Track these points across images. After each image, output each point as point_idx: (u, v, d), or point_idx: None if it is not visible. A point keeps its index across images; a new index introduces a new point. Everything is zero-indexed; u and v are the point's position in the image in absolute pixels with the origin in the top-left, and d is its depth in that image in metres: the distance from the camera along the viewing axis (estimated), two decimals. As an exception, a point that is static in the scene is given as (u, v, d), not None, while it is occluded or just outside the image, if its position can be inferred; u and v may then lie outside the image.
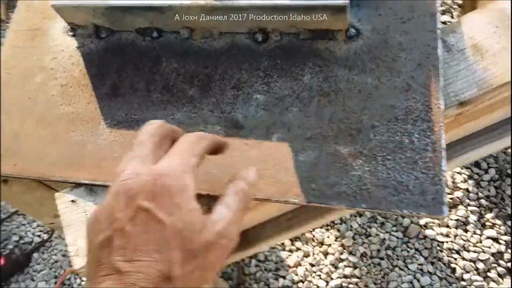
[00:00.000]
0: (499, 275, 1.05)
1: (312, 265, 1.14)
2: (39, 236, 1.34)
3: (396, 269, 1.10)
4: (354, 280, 1.10)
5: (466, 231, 1.13)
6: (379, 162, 0.41)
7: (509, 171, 1.16)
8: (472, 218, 1.13)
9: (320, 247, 1.16)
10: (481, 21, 0.47)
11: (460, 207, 1.15)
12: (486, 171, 1.16)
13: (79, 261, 0.46)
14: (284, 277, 1.13)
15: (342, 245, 1.14)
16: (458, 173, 1.18)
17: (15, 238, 1.34)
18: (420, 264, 1.09)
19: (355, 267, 1.12)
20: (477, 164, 1.17)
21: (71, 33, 0.54)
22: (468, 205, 1.14)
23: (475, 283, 1.05)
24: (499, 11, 0.47)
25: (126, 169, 0.32)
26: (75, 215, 0.47)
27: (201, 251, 0.30)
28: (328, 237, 1.16)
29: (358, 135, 0.43)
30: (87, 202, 0.47)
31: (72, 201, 0.48)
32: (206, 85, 0.49)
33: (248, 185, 0.34)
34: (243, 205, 0.33)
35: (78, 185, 0.48)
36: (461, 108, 0.44)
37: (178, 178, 0.31)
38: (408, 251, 1.12)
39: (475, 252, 1.09)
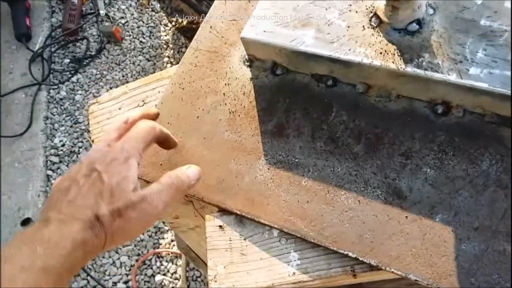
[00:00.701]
0: None
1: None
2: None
3: None
4: None
5: None
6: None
7: None
8: None
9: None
10: None
11: None
12: None
13: (214, 286, 0.49)
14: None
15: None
16: None
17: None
18: None
19: None
20: None
21: (248, 64, 0.58)
22: None
23: None
24: None
25: (93, 147, 0.45)
26: (220, 241, 0.51)
27: (125, 206, 0.41)
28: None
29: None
30: (234, 231, 0.51)
31: (220, 226, 0.52)
32: (373, 145, 0.50)
33: (183, 174, 0.45)
34: (171, 184, 0.44)
35: (228, 212, 0.52)
36: None
37: (126, 156, 0.43)
38: None
39: None
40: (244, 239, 0.50)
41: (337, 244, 0.46)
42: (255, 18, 0.55)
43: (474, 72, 0.46)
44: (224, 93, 0.58)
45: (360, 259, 0.45)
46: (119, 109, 0.64)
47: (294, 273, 0.47)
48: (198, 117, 0.57)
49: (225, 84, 0.58)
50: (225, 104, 0.57)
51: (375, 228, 0.46)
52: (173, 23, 1.66)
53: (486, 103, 0.47)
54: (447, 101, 0.49)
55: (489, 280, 0.42)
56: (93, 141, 0.63)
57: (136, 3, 1.90)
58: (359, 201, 0.48)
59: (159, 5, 1.79)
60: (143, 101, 0.63)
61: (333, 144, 0.52)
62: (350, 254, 0.46)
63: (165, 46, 1.83)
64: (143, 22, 1.88)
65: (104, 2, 1.94)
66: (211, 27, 0.63)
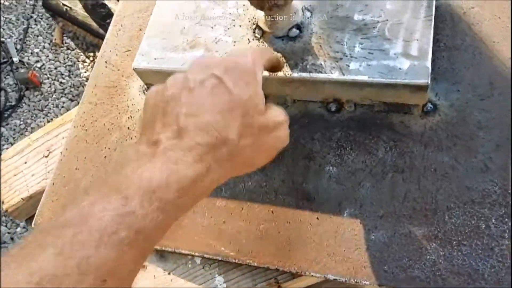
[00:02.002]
0: None
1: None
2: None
3: None
4: None
5: None
6: (454, 247, 0.44)
7: None
8: None
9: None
10: None
11: None
12: None
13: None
14: None
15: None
16: None
17: None
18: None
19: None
20: None
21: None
22: None
23: None
24: None
25: (199, 58, 0.39)
26: (144, 280, 0.52)
27: (258, 130, 0.36)
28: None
29: (433, 216, 0.46)
30: (157, 268, 0.53)
31: (143, 266, 0.53)
32: (278, 154, 0.54)
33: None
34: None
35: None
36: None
37: (250, 65, 0.37)
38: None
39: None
40: (169, 273, 0.52)
41: (257, 259, 0.49)
42: (144, 46, 0.58)
43: (354, 67, 0.50)
44: (128, 127, 0.60)
45: (281, 269, 0.48)
46: (25, 163, 0.64)
47: (220, 297, 0.49)
48: (105, 156, 0.59)
49: (128, 118, 0.60)
50: (131, 138, 0.59)
51: (291, 235, 0.49)
52: (91, 58, 1.67)
53: (371, 94, 0.51)
54: (337, 98, 0.53)
55: (400, 264, 0.45)
56: (3, 202, 0.63)
57: (49, 44, 1.89)
58: (272, 211, 0.51)
59: (73, 43, 1.79)
60: (48, 150, 0.64)
61: (240, 159, 0.55)
62: (270, 266, 0.49)
63: (86, 82, 1.83)
64: (60, 62, 1.87)
65: (16, 48, 1.91)
66: (106, 61, 0.65)
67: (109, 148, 0.59)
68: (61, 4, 1.45)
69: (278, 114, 0.38)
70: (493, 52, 0.52)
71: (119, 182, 0.31)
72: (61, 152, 0.61)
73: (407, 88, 0.49)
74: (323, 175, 0.51)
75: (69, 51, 1.89)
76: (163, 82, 0.58)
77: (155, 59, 0.57)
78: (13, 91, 1.86)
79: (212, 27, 0.57)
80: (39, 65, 1.89)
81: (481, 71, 0.51)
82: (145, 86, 0.61)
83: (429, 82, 0.47)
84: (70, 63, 1.87)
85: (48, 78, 1.85)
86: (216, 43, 0.56)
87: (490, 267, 0.43)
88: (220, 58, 0.38)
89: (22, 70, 1.86)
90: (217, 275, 0.50)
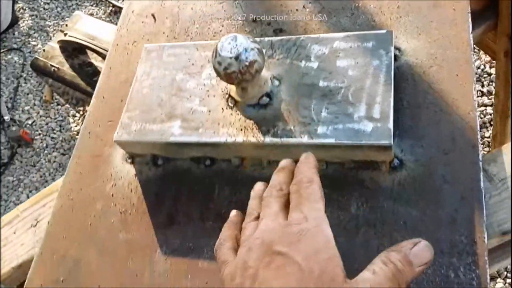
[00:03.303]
0: None
1: None
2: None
3: None
4: None
5: None
6: (427, 299, 0.45)
7: None
8: None
9: None
10: (522, 150, 0.52)
11: (499, 280, 1.19)
12: None
13: None
14: None
15: None
16: None
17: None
18: None
19: None
20: None
21: (130, 161, 0.63)
22: (506, 277, 1.19)
23: None
24: (539, 140, 0.52)
25: (259, 227, 0.36)
26: None
27: None
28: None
29: (406, 271, 0.47)
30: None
31: (129, 331, 0.53)
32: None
33: (404, 261, 0.34)
34: (390, 277, 0.33)
35: (135, 313, 0.54)
36: (503, 237, 0.48)
37: (314, 223, 0.34)
38: None
39: None
40: (155, 337, 0.52)
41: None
42: (125, 119, 0.60)
43: (321, 131, 0.52)
44: (112, 195, 0.61)
45: None
46: (14, 233, 0.65)
47: None
48: (91, 224, 0.60)
49: (112, 186, 0.62)
50: (115, 205, 0.60)
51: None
52: (81, 112, 1.69)
53: (340, 154, 0.53)
54: (310, 158, 0.55)
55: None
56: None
57: (40, 101, 1.92)
58: (252, 271, 0.52)
59: (63, 99, 1.82)
60: (36, 220, 0.65)
61: (222, 220, 0.55)
62: None
63: (77, 136, 1.85)
64: (51, 118, 1.89)
65: (7, 107, 1.93)
66: (89, 132, 0.67)
67: (94, 216, 0.60)
68: (49, 65, 1.48)
69: (363, 279, 0.33)
70: (453, 108, 0.55)
71: None
72: (48, 222, 0.62)
73: (372, 149, 0.51)
74: (300, 234, 0.52)
75: (59, 107, 1.91)
76: (144, 151, 0.60)
77: (134, 131, 0.59)
78: (5, 148, 1.87)
79: (188, 98, 0.59)
80: (30, 122, 1.91)
81: (443, 127, 0.54)
82: (127, 155, 0.62)
83: (392, 142, 0.50)
84: (60, 118, 1.89)
85: (39, 134, 1.87)
86: (192, 113, 0.58)
87: (461, 316, 0.44)
88: (277, 231, 0.34)
89: (14, 128, 1.88)
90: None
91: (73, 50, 1.50)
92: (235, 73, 0.50)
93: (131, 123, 0.59)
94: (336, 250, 0.34)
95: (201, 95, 0.59)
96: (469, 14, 0.60)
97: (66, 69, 1.49)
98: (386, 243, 0.49)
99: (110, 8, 2.02)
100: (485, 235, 0.47)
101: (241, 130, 0.55)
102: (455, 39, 0.59)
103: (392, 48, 0.55)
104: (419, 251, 0.35)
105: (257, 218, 0.39)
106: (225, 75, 0.51)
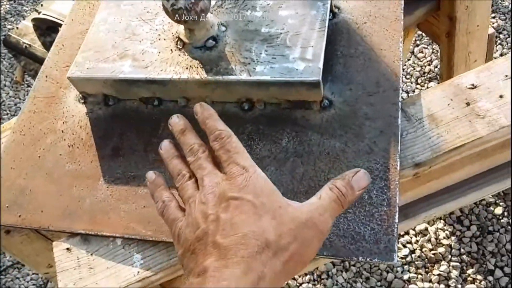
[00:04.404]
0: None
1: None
2: (31, 290, 1.42)
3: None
4: None
5: (448, 286, 1.21)
6: (341, 215, 0.49)
7: (490, 228, 1.24)
8: (454, 273, 1.22)
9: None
10: (438, 94, 0.57)
11: (443, 262, 1.24)
12: (468, 228, 1.28)
13: (69, 305, 0.52)
14: None
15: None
16: (441, 229, 1.28)
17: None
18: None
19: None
20: (459, 221, 1.29)
21: (82, 101, 0.65)
22: (451, 260, 1.24)
23: None
24: (454, 86, 0.57)
25: (203, 185, 0.41)
26: (68, 262, 0.54)
27: (294, 225, 0.37)
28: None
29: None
30: (80, 250, 0.55)
31: (67, 249, 0.55)
32: (196, 147, 0.58)
33: (347, 186, 0.40)
34: (334, 199, 0.39)
35: (74, 234, 0.56)
36: (416, 168, 0.52)
37: (253, 170, 0.40)
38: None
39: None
40: (91, 255, 0.54)
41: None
42: (79, 59, 0.62)
43: (259, 69, 0.56)
44: (62, 131, 0.63)
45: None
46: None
47: (138, 272, 0.52)
48: (39, 157, 0.62)
49: (63, 123, 0.64)
50: (64, 140, 0.62)
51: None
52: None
53: (276, 93, 0.57)
54: (249, 98, 0.59)
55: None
56: None
57: (10, 81, 1.91)
58: (188, 196, 0.55)
59: (34, 80, 1.82)
60: (-13, 154, 0.66)
61: (164, 154, 0.59)
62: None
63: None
64: (20, 98, 1.88)
65: (-23, 86, 1.92)
66: (46, 76, 0.69)
67: (43, 149, 0.62)
68: (21, 42, 1.49)
69: (307, 203, 0.39)
70: (381, 57, 0.59)
71: None
72: (-1, 155, 0.63)
73: (303, 85, 0.55)
74: (235, 163, 0.56)
75: (29, 88, 1.91)
76: (95, 90, 0.63)
77: (87, 68, 0.61)
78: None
79: (140, 41, 0.63)
80: (-1, 102, 1.90)
81: (370, 73, 0.58)
82: (80, 95, 0.65)
83: (320, 79, 0.54)
84: (30, 100, 1.88)
85: (7, 114, 1.86)
86: (142, 53, 0.61)
87: (370, 230, 0.48)
88: (224, 184, 0.40)
89: (-18, 107, 1.86)
90: (135, 253, 0.52)
91: (47, 29, 1.51)
92: (181, 10, 0.54)
93: (84, 62, 0.62)
94: (274, 186, 0.40)
95: (153, 39, 0.62)
96: (402, -20, 0.65)
97: (37, 46, 1.50)
98: (310, 170, 0.53)
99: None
100: (398, 164, 0.51)
101: (187, 68, 0.59)
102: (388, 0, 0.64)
103: (329, 1, 0.60)
104: (358, 178, 0.41)
105: (190, 178, 0.43)
106: (172, 11, 0.54)
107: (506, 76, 0.56)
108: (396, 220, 0.47)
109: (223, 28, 0.61)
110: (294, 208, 0.39)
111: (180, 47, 0.61)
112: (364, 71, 0.59)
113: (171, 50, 0.61)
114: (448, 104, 0.55)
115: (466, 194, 0.62)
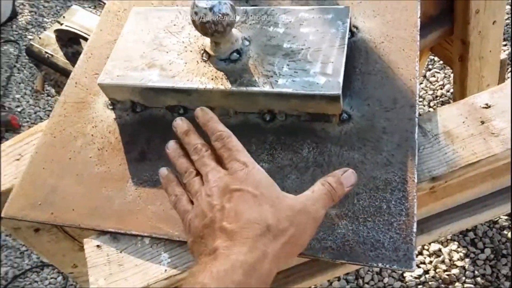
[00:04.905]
0: None
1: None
2: (50, 292, 1.43)
3: None
4: None
5: None
6: (361, 223, 0.51)
7: (504, 252, 1.24)
8: None
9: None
10: (454, 112, 0.59)
11: (457, 284, 1.24)
12: (482, 251, 1.28)
13: (96, 301, 0.54)
14: None
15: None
16: (455, 251, 1.28)
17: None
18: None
19: None
20: (473, 243, 1.29)
21: (111, 107, 0.68)
22: (465, 282, 1.24)
23: None
24: (469, 105, 0.59)
25: (207, 180, 0.45)
26: (99, 258, 0.57)
27: (291, 212, 0.42)
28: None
29: (345, 200, 0.53)
30: (110, 248, 0.57)
31: (98, 246, 0.58)
32: (219, 154, 0.61)
33: (338, 182, 0.46)
34: (325, 193, 0.45)
35: (103, 232, 0.59)
36: (433, 182, 0.54)
37: (252, 166, 0.45)
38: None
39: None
40: (120, 252, 0.57)
41: (196, 238, 0.55)
42: (108, 67, 0.66)
43: (281, 82, 0.59)
44: (92, 134, 0.66)
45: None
46: (-3, 167, 0.69)
47: (165, 270, 0.54)
48: (70, 158, 0.65)
49: (92, 127, 0.67)
50: (94, 143, 0.65)
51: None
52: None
53: (297, 105, 0.59)
54: (271, 109, 0.61)
55: (316, 237, 0.52)
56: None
57: (30, 90, 1.96)
58: (211, 200, 0.57)
59: (54, 90, 1.86)
60: (20, 154, 0.69)
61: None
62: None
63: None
64: (40, 107, 1.93)
65: (-2, 93, 1.97)
66: (76, 82, 0.72)
67: (74, 152, 0.65)
68: (43, 51, 1.53)
69: (302, 195, 0.45)
70: (397, 75, 0.62)
71: (195, 282, 0.38)
72: (31, 155, 0.66)
73: (323, 99, 0.57)
74: (256, 170, 0.58)
75: (49, 98, 1.95)
76: (124, 96, 0.66)
77: (117, 76, 0.64)
78: (-8, 132, 1.90)
79: (167, 52, 0.66)
80: (19, 109, 1.94)
81: (387, 90, 0.61)
82: (109, 101, 0.68)
83: (340, 93, 0.56)
84: (49, 108, 1.93)
85: (27, 121, 1.90)
86: (170, 64, 0.64)
87: (389, 238, 0.50)
88: (226, 179, 0.44)
89: (3, 113, 1.91)
90: (163, 252, 0.55)
91: (68, 40, 1.56)
92: (209, 23, 0.57)
93: (114, 70, 0.65)
94: (272, 179, 0.45)
95: (180, 50, 0.65)
96: (419, 2, 0.68)
97: (59, 56, 1.54)
98: (329, 179, 0.55)
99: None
100: (415, 176, 0.53)
101: (212, 79, 0.62)
102: (404, 21, 0.66)
103: (348, 20, 0.63)
104: (347, 176, 0.47)
105: (197, 175, 0.48)
106: (200, 24, 0.58)
107: (519, 96, 0.59)
108: (414, 230, 0.49)
109: (247, 43, 0.64)
110: (290, 198, 0.44)
111: (206, 59, 0.64)
112: (382, 88, 0.61)
113: (197, 61, 0.64)
114: (463, 122, 0.57)
115: (481, 212, 0.64)
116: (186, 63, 0.64)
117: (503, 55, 0.98)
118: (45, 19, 2.23)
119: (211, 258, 0.40)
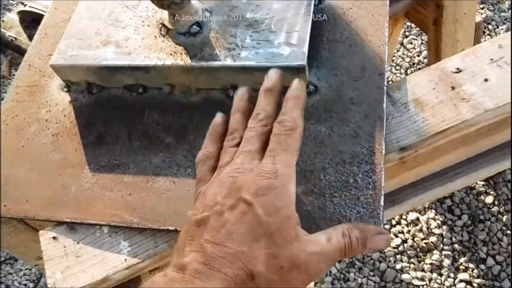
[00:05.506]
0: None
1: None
2: (25, 285, 1.41)
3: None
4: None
5: (440, 274, 1.23)
6: (327, 199, 0.49)
7: (481, 217, 1.26)
8: (446, 262, 1.24)
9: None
10: (424, 78, 0.57)
11: (435, 251, 1.25)
12: (459, 217, 1.30)
13: (56, 294, 0.52)
14: None
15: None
16: (432, 219, 1.30)
17: (2, 286, 1.41)
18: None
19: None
20: (450, 210, 1.31)
21: (66, 89, 0.64)
22: (442, 249, 1.25)
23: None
24: (439, 70, 0.57)
25: (235, 162, 0.39)
26: (55, 251, 0.54)
27: (286, 264, 0.33)
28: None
29: (311, 175, 0.51)
30: (67, 239, 0.55)
31: (54, 237, 0.55)
32: (181, 134, 0.58)
33: (361, 242, 0.38)
34: (341, 249, 0.37)
35: (60, 223, 0.56)
36: (402, 152, 0.52)
37: (282, 182, 0.36)
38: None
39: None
40: (78, 243, 0.54)
41: (158, 222, 0.52)
42: (61, 46, 0.62)
43: (244, 55, 0.56)
44: (46, 119, 0.63)
45: (179, 229, 0.51)
46: None
47: (125, 260, 0.52)
48: (23, 146, 0.61)
49: (47, 111, 0.63)
50: (48, 128, 0.62)
51: (189, 199, 0.53)
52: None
53: (261, 78, 0.56)
54: (234, 84, 0.58)
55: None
56: None
57: (-3, 76, 1.89)
58: (174, 182, 0.55)
59: (21, 74, 1.80)
60: (-30, 145, 0.65)
61: (148, 140, 0.58)
62: (170, 228, 0.52)
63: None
64: (6, 93, 1.87)
65: (-37, 82, 1.90)
66: (29, 65, 0.68)
67: (27, 139, 0.61)
68: (6, 35, 1.47)
69: (317, 242, 0.36)
70: (366, 42, 0.59)
71: None
72: (-18, 145, 0.63)
73: (288, 70, 0.54)
74: (220, 149, 0.56)
75: (17, 84, 1.89)
76: (79, 77, 0.62)
77: (70, 56, 0.61)
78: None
79: (123, 28, 0.62)
80: (-14, 97, 1.88)
81: (355, 58, 0.58)
82: (63, 84, 0.64)
83: (305, 63, 0.54)
84: (18, 95, 1.86)
85: (-5, 109, 1.84)
86: (126, 40, 0.61)
87: (356, 213, 0.48)
88: (249, 178, 0.36)
89: (-31, 103, 1.84)
90: (122, 240, 0.52)
91: (32, 21, 1.50)
92: (163, -6, 0.54)
93: (67, 50, 0.61)
94: (295, 211, 0.37)
95: (136, 25, 0.62)
96: (387, -35, 0.65)
97: (23, 39, 1.48)
98: (296, 155, 0.53)
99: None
100: (383, 147, 0.51)
101: (171, 54, 0.58)
102: (373, -14, 0.63)
103: (313, -14, 0.60)
104: (379, 240, 0.39)
105: (238, 144, 0.41)
106: (154, -5, 0.54)
107: (492, 60, 0.57)
108: (382, 203, 0.47)
109: (208, 14, 0.61)
110: (298, 245, 0.35)
111: (164, 33, 0.60)
112: (350, 56, 0.59)
113: (155, 36, 0.60)
114: (434, 88, 0.55)
115: (454, 179, 0.63)
116: (143, 38, 0.60)
117: (479, 18, 0.95)
118: (10, 1, 2.14)
119: (173, 278, 0.33)
